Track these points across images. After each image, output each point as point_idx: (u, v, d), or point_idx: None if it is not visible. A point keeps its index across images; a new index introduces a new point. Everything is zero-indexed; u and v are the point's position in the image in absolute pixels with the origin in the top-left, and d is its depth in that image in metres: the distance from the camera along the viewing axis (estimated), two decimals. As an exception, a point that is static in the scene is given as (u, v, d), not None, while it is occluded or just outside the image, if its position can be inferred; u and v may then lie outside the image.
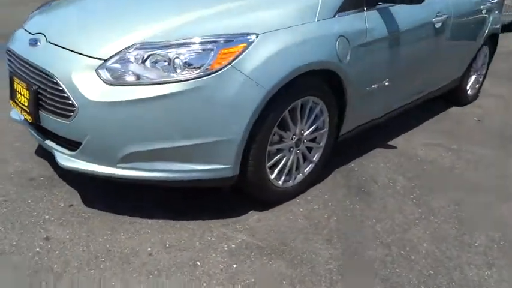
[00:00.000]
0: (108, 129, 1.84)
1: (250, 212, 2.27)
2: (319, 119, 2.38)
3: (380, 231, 2.22)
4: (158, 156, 1.89)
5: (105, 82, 1.80)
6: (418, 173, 2.84)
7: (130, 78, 1.81)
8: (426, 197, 2.56)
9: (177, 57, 1.80)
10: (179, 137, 1.84)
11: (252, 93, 1.88)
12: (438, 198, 2.56)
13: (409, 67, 2.88)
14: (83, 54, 1.88)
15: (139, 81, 1.80)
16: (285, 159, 2.27)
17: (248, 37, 1.88)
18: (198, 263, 1.89)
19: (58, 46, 1.98)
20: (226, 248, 1.99)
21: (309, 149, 2.45)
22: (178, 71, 1.80)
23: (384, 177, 2.75)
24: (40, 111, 2.02)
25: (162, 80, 1.79)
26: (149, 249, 1.94)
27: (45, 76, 1.93)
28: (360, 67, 2.41)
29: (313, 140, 2.45)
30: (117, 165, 1.90)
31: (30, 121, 2.09)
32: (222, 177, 1.98)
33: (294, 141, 2.26)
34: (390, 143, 3.23)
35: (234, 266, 1.89)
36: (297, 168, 2.40)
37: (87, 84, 1.82)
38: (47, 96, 1.96)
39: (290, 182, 2.36)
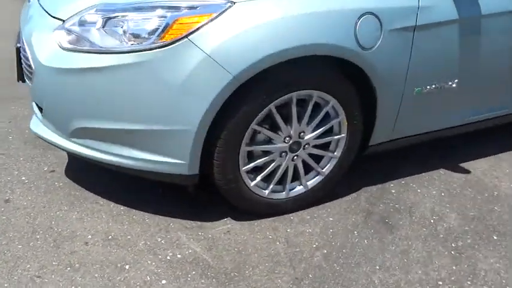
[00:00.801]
0: (59, 98, 1.66)
1: (226, 219, 1.90)
2: (331, 121, 1.84)
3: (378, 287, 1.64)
4: (110, 137, 1.64)
5: (60, 46, 1.60)
6: (483, 214, 2.07)
7: (84, 44, 1.57)
8: (474, 251, 1.84)
9: (130, 24, 1.50)
10: (127, 118, 1.56)
11: (212, 77, 1.48)
12: (492, 256, 1.81)
13: (490, 67, 2.07)
14: (48, 13, 1.71)
15: (92, 48, 1.56)
16: (273, 164, 1.82)
17: (219, 4, 1.47)
18: (127, 267, 1.62)
19: (40, 4, 1.84)
20: (168, 257, 1.68)
21: (318, 158, 1.94)
22: (129, 40, 1.49)
23: (428, 210, 2.07)
24: (23, 71, 1.95)
25: (112, 49, 1.51)
26: (89, 237, 1.74)
27: (19, 34, 1.83)
28: (400, 59, 1.77)
29: (323, 147, 1.93)
30: (71, 139, 1.72)
31: (18, 80, 2.04)
32: (177, 173, 1.65)
33: (287, 145, 1.79)
34: (456, 165, 2.45)
35: (163, 282, 1.58)
36: (296, 178, 1.93)
37: (43, 46, 1.65)
38: (23, 55, 1.86)
39: (283, 193, 1.91)
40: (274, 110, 1.67)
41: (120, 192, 1.98)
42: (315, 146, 1.90)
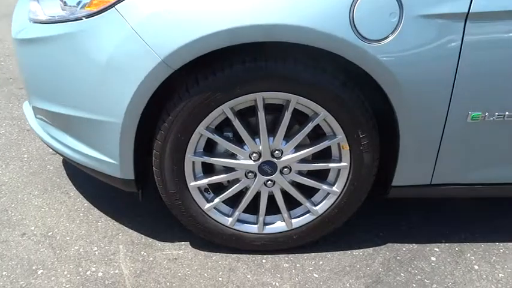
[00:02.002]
0: (22, 71, 1.53)
1: (182, 243, 1.54)
2: (324, 141, 1.32)
3: None
4: (54, 121, 1.45)
5: (29, 17, 1.48)
6: None
7: (40, 14, 1.40)
8: None
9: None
10: (59, 100, 1.34)
11: (138, 58, 1.15)
12: None
13: None
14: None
15: (35, 17, 1.37)
16: (236, 186, 1.39)
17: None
18: (40, 272, 1.40)
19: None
20: (88, 273, 1.40)
21: (311, 190, 1.43)
22: (63, 9, 1.27)
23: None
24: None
25: (49, 19, 1.31)
26: (32, 228, 1.58)
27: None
28: (439, 63, 1.17)
29: (317, 175, 1.41)
30: (36, 117, 1.59)
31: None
32: (109, 174, 1.37)
33: (255, 163, 1.34)
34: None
35: (61, 300, 1.30)
36: (274, 209, 1.45)
37: (18, 17, 1.55)
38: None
39: (255, 227, 1.45)
40: (231, 114, 1.25)
41: (97, 187, 1.79)
42: (302, 173, 1.40)
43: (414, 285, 1.40)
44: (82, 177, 1.84)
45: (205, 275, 1.41)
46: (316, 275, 1.42)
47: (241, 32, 1.09)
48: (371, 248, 1.54)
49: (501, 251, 1.55)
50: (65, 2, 1.24)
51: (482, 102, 1.24)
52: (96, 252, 1.48)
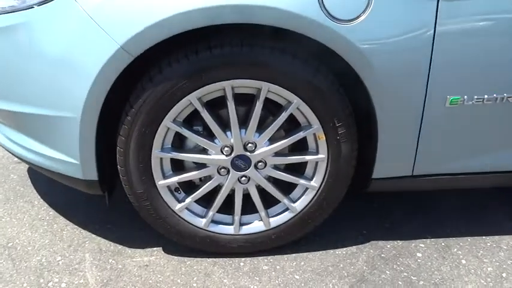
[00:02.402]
0: None
1: (154, 248, 1.44)
2: (299, 132, 1.26)
3: None
4: (7, 120, 1.35)
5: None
6: None
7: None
8: None
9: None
10: (12, 96, 1.24)
11: (94, 46, 1.07)
12: None
13: None
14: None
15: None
16: (209, 183, 1.30)
17: None
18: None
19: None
20: (50, 284, 1.29)
21: (289, 187, 1.36)
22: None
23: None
24: None
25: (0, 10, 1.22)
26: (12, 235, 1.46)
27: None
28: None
29: (293, 170, 1.34)
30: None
31: None
32: (71, 176, 1.27)
33: (227, 158, 1.26)
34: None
35: (17, 315, 1.19)
36: (250, 208, 1.37)
37: None
38: None
39: (231, 228, 1.37)
40: (198, 105, 1.17)
41: (64, 194, 1.68)
42: (278, 168, 1.32)
43: (400, 283, 1.32)
44: (48, 186, 1.73)
45: (179, 281, 1.31)
46: (298, 277, 1.34)
47: (209, 12, 1.02)
48: (354, 247, 1.47)
49: (488, 244, 1.49)
50: (15, -10, 1.16)
51: (461, 85, 1.19)
52: (60, 262, 1.37)
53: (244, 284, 1.31)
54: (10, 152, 1.41)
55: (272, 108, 1.25)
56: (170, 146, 1.25)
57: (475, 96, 1.22)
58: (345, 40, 1.08)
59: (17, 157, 1.39)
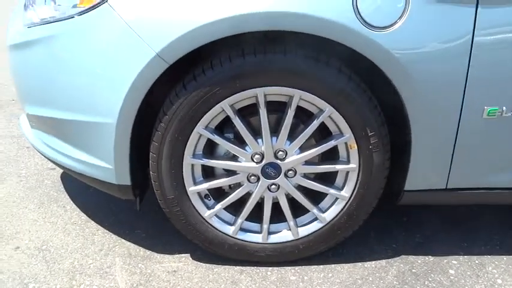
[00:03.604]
0: (15, 77, 1.45)
1: (182, 255, 1.45)
2: (330, 141, 1.25)
3: None
4: (46, 127, 1.40)
5: (23, 24, 1.45)
6: None
7: (35, 18, 1.35)
8: None
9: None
10: (50, 103, 1.29)
11: (131, 53, 1.11)
12: None
13: None
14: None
15: (36, 21, 1.33)
16: (238, 190, 1.31)
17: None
18: (32, 286, 1.31)
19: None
20: (82, 286, 1.31)
21: (318, 196, 1.35)
22: (56, 9, 1.25)
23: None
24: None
25: (42, 20, 1.28)
26: (26, 241, 1.50)
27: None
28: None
29: (324, 179, 1.33)
30: (32, 128, 1.54)
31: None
32: (105, 181, 1.30)
33: (258, 166, 1.26)
34: None
35: (49, 315, 1.21)
36: (279, 217, 1.36)
37: (12, 27, 1.50)
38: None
39: (259, 236, 1.36)
40: (230, 112, 1.19)
41: (96, 200, 1.72)
42: (308, 177, 1.32)
43: (432, 299, 1.28)
44: (80, 191, 1.77)
45: (206, 287, 1.31)
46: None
47: (241, 20, 1.05)
48: (384, 260, 1.44)
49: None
50: (56, 2, 1.22)
51: (499, 95, 1.17)
52: (91, 265, 1.40)
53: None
54: (46, 157, 1.46)
55: (303, 116, 1.26)
56: (201, 153, 1.26)
57: (515, 108, 1.19)
58: (379, 47, 1.07)
59: (52, 162, 1.44)
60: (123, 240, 1.51)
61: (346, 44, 1.08)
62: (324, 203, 1.35)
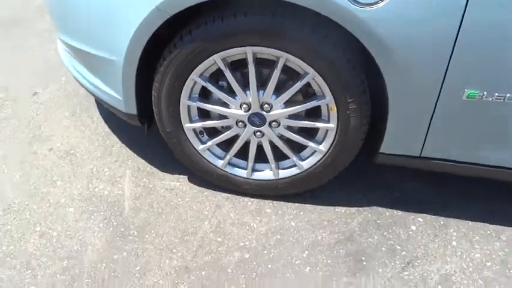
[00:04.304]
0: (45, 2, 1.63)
1: (181, 176, 1.69)
2: (313, 101, 1.35)
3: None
4: (75, 54, 1.59)
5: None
6: None
7: None
8: None
9: None
10: (74, 34, 1.47)
11: (136, 4, 1.23)
12: None
13: None
14: None
15: None
16: (228, 132, 1.48)
17: None
18: (59, 183, 1.64)
19: None
20: (96, 189, 1.62)
21: (302, 145, 1.49)
22: None
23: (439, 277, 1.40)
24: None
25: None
26: (58, 145, 1.81)
27: None
28: (436, 32, 1.12)
29: (307, 132, 1.46)
30: (63, 49, 1.74)
31: None
32: (119, 109, 1.51)
33: (245, 114, 1.41)
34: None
35: (70, 209, 1.53)
36: (265, 158, 1.54)
37: None
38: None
39: (244, 171, 1.56)
40: (222, 65, 1.30)
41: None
42: (292, 129, 1.45)
43: (383, 249, 1.46)
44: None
45: (194, 207, 1.57)
46: (293, 224, 1.53)
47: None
48: (354, 208, 1.60)
49: (488, 232, 1.54)
50: None
51: (481, 79, 1.18)
52: (106, 173, 1.69)
53: (246, 220, 1.53)
54: (75, 79, 1.68)
55: (292, 74, 1.34)
56: (197, 96, 1.42)
57: (496, 94, 1.20)
58: (363, 23, 1.11)
59: (80, 84, 1.66)
60: (135, 155, 1.77)
61: (331, 17, 1.12)
62: (304, 153, 1.50)
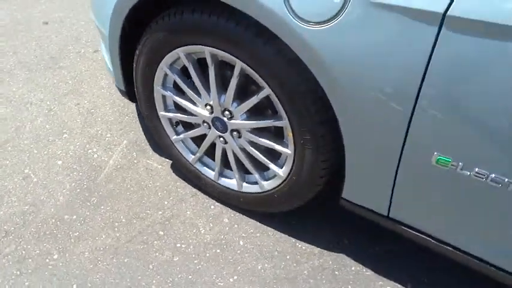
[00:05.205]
0: None
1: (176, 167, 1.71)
2: (271, 119, 1.21)
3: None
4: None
5: None
6: None
7: None
8: None
9: None
10: (94, 12, 1.55)
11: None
12: None
13: None
14: None
15: None
16: (198, 129, 1.42)
17: None
18: (65, 136, 1.80)
19: None
20: (89, 151, 1.73)
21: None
22: None
23: None
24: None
25: None
26: (85, 102, 1.98)
27: None
28: (397, 72, 0.89)
29: (271, 153, 1.32)
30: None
31: None
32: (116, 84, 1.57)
33: (209, 116, 1.33)
34: None
35: (59, 162, 1.68)
36: (227, 165, 1.45)
37: None
38: None
39: (212, 173, 1.50)
40: (185, 61, 1.24)
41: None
42: (255, 144, 1.32)
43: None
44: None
45: (159, 194, 1.57)
46: (242, 243, 1.42)
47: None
48: (318, 249, 1.41)
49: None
50: None
51: (455, 146, 0.89)
52: (106, 139, 1.79)
53: (198, 223, 1.48)
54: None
55: (258, 85, 1.21)
56: (171, 87, 1.38)
57: (477, 169, 0.90)
58: (308, 45, 0.92)
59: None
60: (139, 129, 1.84)
61: (272, 30, 0.96)
62: (268, 172, 1.36)
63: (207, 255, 1.38)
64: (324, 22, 0.89)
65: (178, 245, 1.41)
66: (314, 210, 1.48)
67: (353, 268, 1.36)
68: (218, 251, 1.40)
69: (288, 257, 1.39)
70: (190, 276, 1.33)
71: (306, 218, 1.48)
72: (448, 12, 0.76)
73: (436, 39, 0.80)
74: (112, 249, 1.39)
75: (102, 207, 1.52)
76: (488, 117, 0.83)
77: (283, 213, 1.45)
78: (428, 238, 1.11)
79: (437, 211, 1.03)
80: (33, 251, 1.37)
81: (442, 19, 0.77)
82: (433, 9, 0.78)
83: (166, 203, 1.54)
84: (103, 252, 1.38)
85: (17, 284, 1.29)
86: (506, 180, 0.87)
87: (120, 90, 1.55)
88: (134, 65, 1.38)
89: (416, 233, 1.13)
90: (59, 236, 1.42)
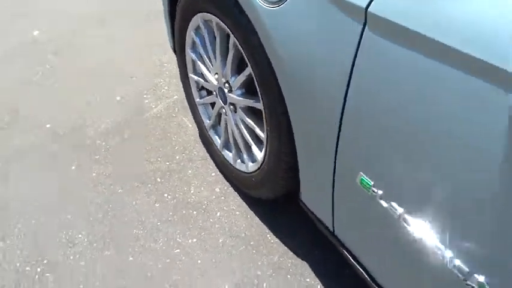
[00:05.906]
0: None
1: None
2: (253, 100, 1.21)
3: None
4: None
5: None
6: None
7: None
8: None
9: None
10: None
11: None
12: None
13: None
14: None
15: None
16: (210, 97, 1.49)
17: None
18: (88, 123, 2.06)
19: None
20: (102, 127, 1.96)
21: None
22: None
23: None
24: None
25: None
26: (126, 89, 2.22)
27: None
28: (328, 61, 0.82)
29: (257, 136, 1.31)
30: None
31: None
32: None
33: (216, 85, 1.38)
34: None
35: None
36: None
37: None
38: None
39: (219, 142, 1.56)
40: (202, 26, 1.31)
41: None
42: (245, 124, 1.32)
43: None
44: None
45: (176, 147, 1.70)
46: (218, 214, 1.46)
47: None
48: (284, 248, 1.36)
49: None
50: None
51: (375, 166, 0.78)
52: (163, 90, 1.99)
53: (193, 183, 1.56)
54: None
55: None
56: (198, 52, 1.47)
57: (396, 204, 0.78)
58: (263, 25, 0.91)
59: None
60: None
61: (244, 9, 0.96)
62: (255, 155, 1.36)
63: (183, 212, 1.47)
64: (275, 3, 0.86)
65: (166, 195, 1.53)
66: (306, 214, 1.41)
67: (307, 280, 1.28)
68: (194, 212, 1.47)
69: (252, 243, 1.38)
70: (159, 223, 1.43)
71: (292, 218, 1.42)
72: (369, 8, 0.67)
73: (361, 38, 0.70)
74: (113, 179, 1.58)
75: (127, 143, 1.72)
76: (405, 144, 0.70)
77: (273, 204, 1.43)
78: (364, 274, 0.98)
79: (372, 245, 0.91)
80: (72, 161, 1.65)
81: (365, 15, 0.68)
82: (356, 2, 0.68)
83: (177, 157, 1.67)
84: (105, 178, 1.58)
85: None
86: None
87: (172, 48, 1.71)
88: (173, 29, 1.51)
89: (356, 263, 1.01)
90: (58, 169, 1.64)
